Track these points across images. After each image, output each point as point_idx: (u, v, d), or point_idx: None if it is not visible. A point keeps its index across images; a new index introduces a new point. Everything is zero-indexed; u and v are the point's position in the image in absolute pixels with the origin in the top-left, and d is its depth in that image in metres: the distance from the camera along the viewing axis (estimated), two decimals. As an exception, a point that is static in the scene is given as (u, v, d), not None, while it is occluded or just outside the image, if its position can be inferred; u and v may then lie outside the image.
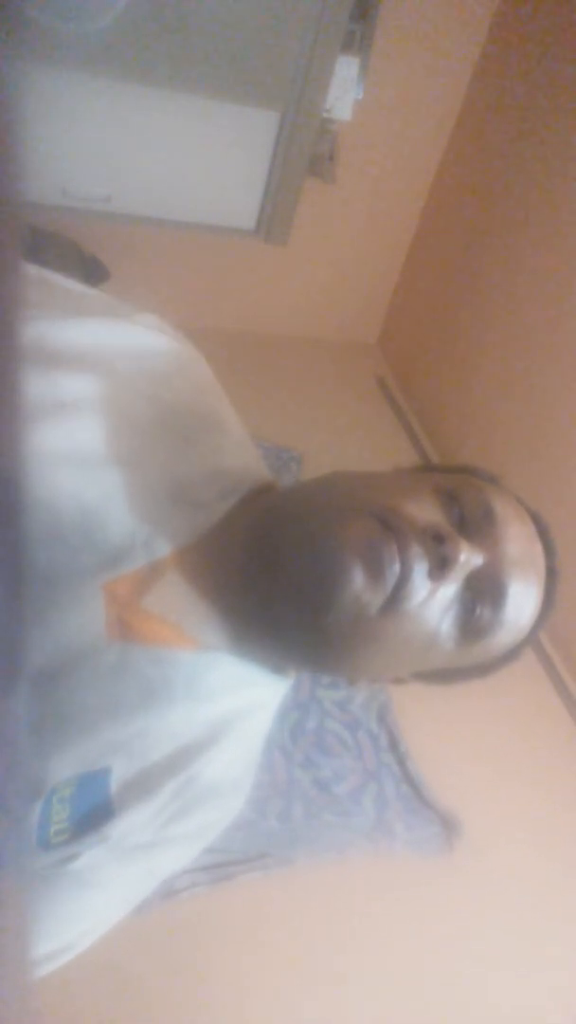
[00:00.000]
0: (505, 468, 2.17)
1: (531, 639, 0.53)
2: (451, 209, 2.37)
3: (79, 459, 0.47)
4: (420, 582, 0.45)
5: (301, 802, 1.46)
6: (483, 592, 0.48)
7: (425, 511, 0.47)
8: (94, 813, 0.45)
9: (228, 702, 0.51)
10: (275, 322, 2.61)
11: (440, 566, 0.45)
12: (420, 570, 0.45)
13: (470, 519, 0.49)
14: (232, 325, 2.51)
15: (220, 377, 0.60)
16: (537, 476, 2.00)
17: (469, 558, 0.46)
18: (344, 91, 1.79)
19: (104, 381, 0.50)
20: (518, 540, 0.50)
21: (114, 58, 1.41)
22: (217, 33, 1.43)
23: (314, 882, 1.40)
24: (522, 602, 0.50)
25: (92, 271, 1.98)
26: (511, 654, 0.53)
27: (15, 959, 0.28)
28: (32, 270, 0.58)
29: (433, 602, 0.46)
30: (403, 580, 0.44)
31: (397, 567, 0.44)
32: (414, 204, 2.46)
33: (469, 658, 0.51)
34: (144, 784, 0.47)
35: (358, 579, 0.44)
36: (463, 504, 0.49)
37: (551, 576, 0.52)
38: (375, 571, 0.44)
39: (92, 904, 0.49)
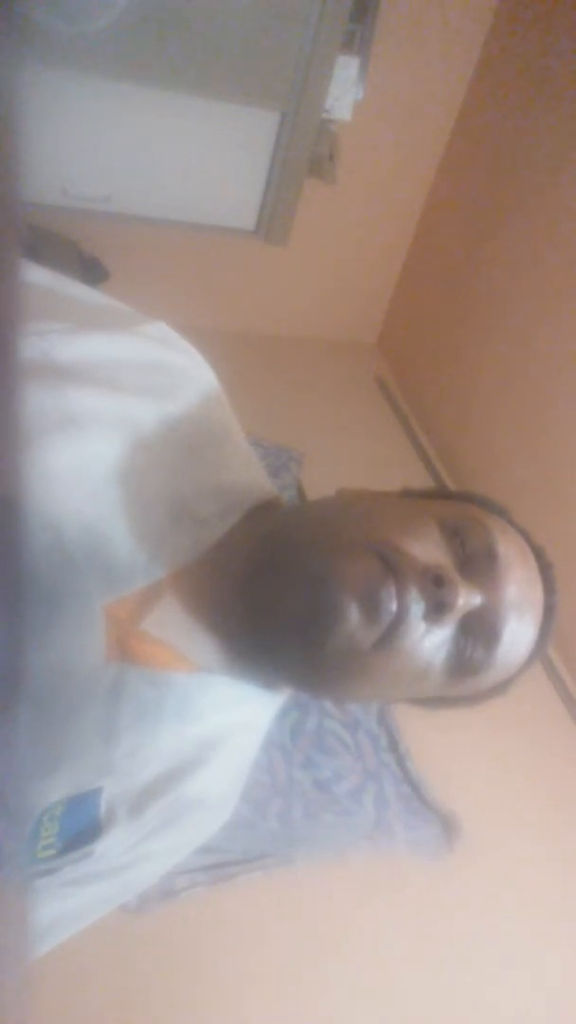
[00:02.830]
0: (504, 467, 2.16)
1: (523, 674, 0.53)
2: (451, 209, 2.37)
3: (85, 476, 0.47)
4: (415, 623, 0.46)
5: (301, 802, 1.46)
6: (477, 633, 0.48)
7: (428, 549, 0.47)
8: (83, 833, 0.46)
9: (218, 720, 0.51)
10: (275, 322, 2.61)
11: (436, 609, 0.45)
12: (416, 611, 0.45)
13: (472, 557, 0.49)
14: (232, 325, 2.50)
15: (220, 377, 0.60)
16: (536, 476, 2.00)
17: (467, 600, 0.46)
18: (344, 91, 1.79)
19: (112, 395, 0.50)
20: (518, 583, 0.50)
21: (114, 58, 1.41)
22: (217, 33, 1.44)
23: (314, 882, 1.40)
24: (516, 642, 0.50)
25: (91, 271, 1.98)
26: (500, 688, 0.54)
27: (15, 957, 0.28)
28: (41, 276, 0.58)
29: (426, 640, 0.47)
30: (398, 620, 0.45)
31: (394, 607, 0.44)
32: (414, 204, 2.46)
33: (458, 691, 0.52)
34: (132, 805, 0.47)
35: (354, 617, 0.44)
36: (467, 541, 0.49)
37: (548, 613, 0.52)
38: (371, 610, 0.44)
39: (51, 916, 0.49)
